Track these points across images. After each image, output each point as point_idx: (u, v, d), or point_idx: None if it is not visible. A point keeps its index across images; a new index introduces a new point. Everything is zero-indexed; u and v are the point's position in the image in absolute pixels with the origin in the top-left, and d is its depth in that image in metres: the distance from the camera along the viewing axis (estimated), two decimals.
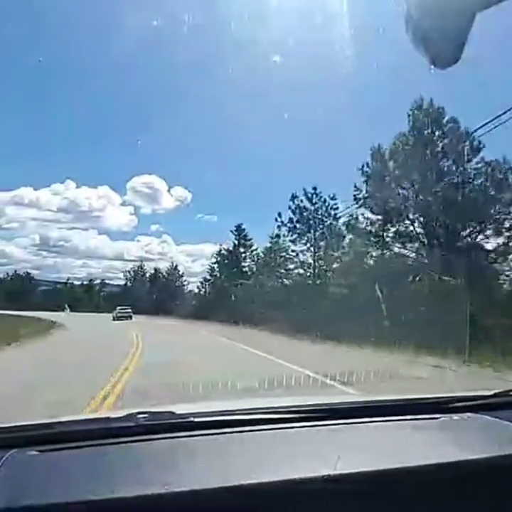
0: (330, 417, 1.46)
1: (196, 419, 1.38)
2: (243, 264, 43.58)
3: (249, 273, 41.34)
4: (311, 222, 28.70)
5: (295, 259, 30.36)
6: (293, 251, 30.04)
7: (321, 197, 28.29)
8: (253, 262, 42.78)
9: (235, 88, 37.50)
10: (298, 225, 28.91)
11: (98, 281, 79.70)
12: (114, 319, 41.25)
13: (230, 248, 44.72)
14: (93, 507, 0.98)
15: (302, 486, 1.04)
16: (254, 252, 42.77)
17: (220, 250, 45.98)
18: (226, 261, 44.61)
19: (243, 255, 44.12)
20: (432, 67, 0.73)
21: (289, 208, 28.66)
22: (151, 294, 61.09)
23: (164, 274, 64.24)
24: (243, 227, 44.28)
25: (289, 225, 29.14)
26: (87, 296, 76.47)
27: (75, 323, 31.07)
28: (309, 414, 1.45)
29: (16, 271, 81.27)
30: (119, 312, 43.33)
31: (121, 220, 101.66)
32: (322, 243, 28.19)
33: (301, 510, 1.06)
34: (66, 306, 58.75)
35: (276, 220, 29.67)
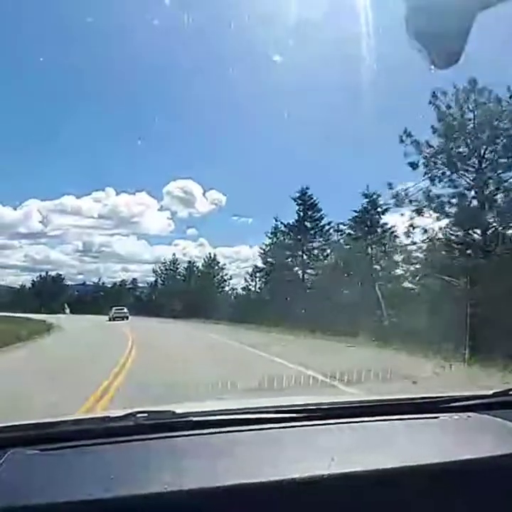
0: (330, 416, 1.46)
1: (196, 419, 1.38)
2: (311, 244, 31.40)
3: (320, 257, 30.46)
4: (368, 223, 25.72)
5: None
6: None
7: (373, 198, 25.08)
8: (325, 242, 30.86)
9: (266, 92, 37.35)
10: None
11: (130, 282, 75.30)
12: (110, 320, 41.09)
13: (291, 223, 31.64)
14: (93, 506, 0.98)
15: (303, 486, 1.05)
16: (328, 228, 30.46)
17: (277, 227, 33.22)
18: (286, 240, 32.47)
19: (311, 232, 31.50)
20: (432, 67, 0.73)
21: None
22: (186, 292, 51.66)
23: (201, 267, 54.35)
24: (309, 193, 31.19)
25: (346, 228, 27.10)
26: (115, 298, 71.37)
27: (64, 330, 26.47)
28: (310, 414, 1.45)
29: (47, 272, 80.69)
30: (114, 313, 43.42)
31: (158, 225, 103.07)
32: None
33: (301, 509, 1.06)
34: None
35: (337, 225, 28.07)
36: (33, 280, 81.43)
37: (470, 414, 1.51)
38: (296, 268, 31.77)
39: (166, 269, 61.01)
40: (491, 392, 1.65)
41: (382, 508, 1.10)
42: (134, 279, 75.20)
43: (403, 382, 7.50)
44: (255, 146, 55.53)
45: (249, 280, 38.78)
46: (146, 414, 1.36)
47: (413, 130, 17.98)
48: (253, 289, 38.74)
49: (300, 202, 31.51)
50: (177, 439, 1.30)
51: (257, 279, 37.81)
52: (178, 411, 1.43)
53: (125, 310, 44.66)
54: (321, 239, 31.51)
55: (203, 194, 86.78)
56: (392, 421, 1.46)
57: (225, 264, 53.16)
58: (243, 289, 41.60)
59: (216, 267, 53.19)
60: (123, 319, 41.14)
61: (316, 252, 31.53)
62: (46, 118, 72.94)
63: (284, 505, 1.06)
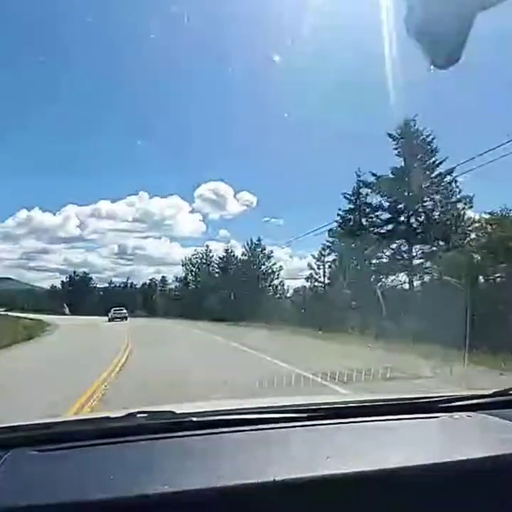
0: (330, 416, 1.46)
1: (196, 419, 1.38)
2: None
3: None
4: None
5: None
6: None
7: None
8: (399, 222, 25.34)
9: (296, 91, 37.30)
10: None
11: (159, 282, 71.06)
12: (109, 320, 42.04)
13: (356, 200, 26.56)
14: (93, 506, 0.98)
15: (303, 486, 1.05)
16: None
17: (333, 229, 27.86)
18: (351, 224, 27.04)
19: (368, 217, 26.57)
20: (432, 67, 0.73)
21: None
22: (222, 288, 41.95)
23: (242, 256, 44.51)
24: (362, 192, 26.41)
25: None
26: (141, 298, 69.65)
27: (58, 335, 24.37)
28: (310, 414, 1.45)
29: (74, 272, 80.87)
30: (114, 313, 44.66)
31: (190, 227, 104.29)
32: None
33: (301, 509, 1.06)
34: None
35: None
36: (62, 281, 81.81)
37: (470, 414, 1.51)
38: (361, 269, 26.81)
39: (199, 263, 52.41)
40: (491, 392, 1.65)
41: (382, 508, 1.10)
42: (163, 277, 70.70)
43: None
44: (287, 147, 55.10)
45: (312, 279, 31.77)
46: (146, 415, 1.36)
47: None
48: (316, 288, 31.37)
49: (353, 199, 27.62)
50: (177, 439, 1.30)
51: (319, 278, 31.20)
52: (178, 411, 1.43)
53: (124, 311, 45.75)
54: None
55: (234, 196, 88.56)
56: (393, 421, 1.46)
57: (272, 251, 43.18)
58: (311, 289, 32.05)
59: (260, 255, 43.60)
60: (122, 320, 42.03)
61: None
62: (83, 129, 79.22)
63: (285, 505, 1.06)
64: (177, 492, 1.00)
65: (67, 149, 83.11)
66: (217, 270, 49.54)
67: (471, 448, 1.24)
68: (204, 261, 52.10)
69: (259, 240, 43.82)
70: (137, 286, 76.55)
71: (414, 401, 1.61)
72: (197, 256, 53.53)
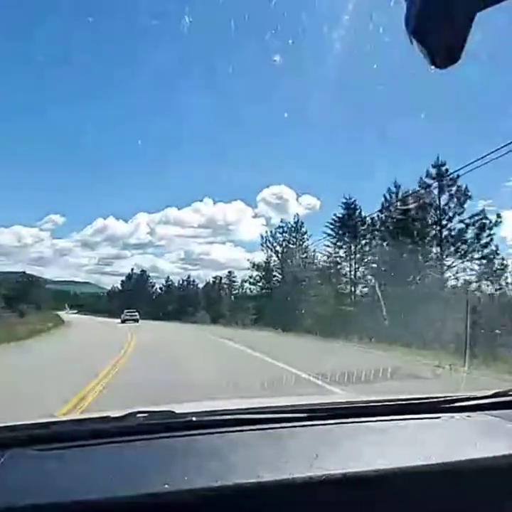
0: (331, 416, 1.46)
1: (196, 419, 1.38)
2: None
3: None
4: None
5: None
6: None
7: None
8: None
9: (350, 92, 37.67)
10: None
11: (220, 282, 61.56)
12: (122, 322, 44.04)
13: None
14: (92, 506, 0.98)
15: (304, 486, 1.04)
16: None
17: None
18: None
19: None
20: (432, 67, 0.73)
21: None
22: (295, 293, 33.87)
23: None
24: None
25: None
26: (205, 300, 61.10)
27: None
28: (309, 414, 1.45)
29: (132, 270, 79.20)
30: (125, 315, 46.77)
31: (254, 232, 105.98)
32: None
33: (302, 510, 1.06)
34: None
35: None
36: (122, 280, 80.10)
37: (470, 414, 1.51)
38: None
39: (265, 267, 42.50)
40: (491, 392, 1.65)
41: (383, 508, 1.10)
42: (222, 278, 62.36)
43: None
44: (349, 149, 55.48)
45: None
46: (146, 414, 1.36)
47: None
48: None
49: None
50: (177, 439, 1.30)
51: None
52: (178, 411, 1.43)
53: (136, 313, 47.77)
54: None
55: (297, 199, 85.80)
56: (394, 421, 1.46)
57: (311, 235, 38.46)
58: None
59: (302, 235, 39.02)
60: (134, 322, 44.07)
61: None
62: (150, 142, 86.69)
63: (285, 506, 1.06)
64: (177, 492, 1.00)
65: (139, 160, 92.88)
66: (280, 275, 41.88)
67: (472, 449, 1.23)
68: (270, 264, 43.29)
69: (299, 221, 40.38)
70: (198, 287, 67.28)
71: (415, 401, 1.61)
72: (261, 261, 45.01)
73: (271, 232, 41.75)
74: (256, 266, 42.88)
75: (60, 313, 65.44)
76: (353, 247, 32.77)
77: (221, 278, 58.40)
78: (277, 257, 41.11)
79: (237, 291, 54.21)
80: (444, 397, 1.63)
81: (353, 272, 32.84)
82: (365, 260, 32.27)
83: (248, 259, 43.74)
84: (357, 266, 32.82)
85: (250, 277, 43.95)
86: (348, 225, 33.04)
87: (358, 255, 32.55)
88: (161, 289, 72.97)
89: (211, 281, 63.99)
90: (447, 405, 1.56)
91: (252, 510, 1.06)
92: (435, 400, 1.61)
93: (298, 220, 41.35)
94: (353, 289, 32.91)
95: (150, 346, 17.92)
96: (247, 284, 46.80)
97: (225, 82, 60.50)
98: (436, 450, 1.24)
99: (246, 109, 63.99)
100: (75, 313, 79.88)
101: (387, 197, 29.90)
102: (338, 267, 33.85)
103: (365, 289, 31.66)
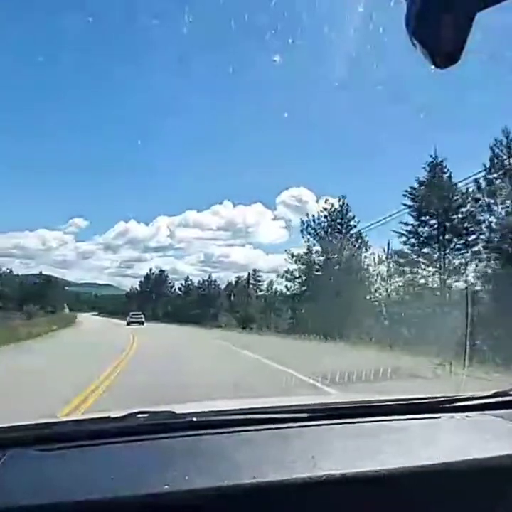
0: (331, 416, 1.46)
1: (197, 419, 1.38)
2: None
3: None
4: None
5: None
6: None
7: None
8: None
9: (368, 91, 37.14)
10: None
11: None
12: (128, 324, 44.91)
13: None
14: (93, 507, 0.98)
15: (304, 486, 1.04)
16: None
17: None
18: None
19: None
20: (432, 67, 0.73)
21: None
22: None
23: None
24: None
25: None
26: (227, 302, 56.42)
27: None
28: (309, 414, 1.45)
29: (150, 269, 76.76)
30: (131, 317, 47.97)
31: (273, 234, 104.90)
32: None
33: (302, 510, 1.06)
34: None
35: None
36: (140, 281, 77.93)
37: (470, 414, 1.51)
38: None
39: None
40: (491, 392, 1.65)
41: (383, 508, 1.10)
42: (250, 275, 54.79)
43: None
44: (371, 149, 54.81)
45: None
46: (146, 415, 1.36)
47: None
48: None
49: None
50: (177, 439, 1.30)
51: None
52: (179, 411, 1.43)
53: (141, 315, 48.69)
54: None
55: (317, 201, 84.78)
56: (393, 421, 1.46)
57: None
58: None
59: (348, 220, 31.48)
60: (139, 324, 44.82)
61: None
62: (170, 148, 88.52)
63: (285, 506, 1.06)
64: (177, 492, 1.00)
65: (159, 164, 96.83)
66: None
67: (472, 448, 1.23)
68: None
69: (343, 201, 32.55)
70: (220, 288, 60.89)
71: (415, 401, 1.61)
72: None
73: (313, 216, 33.46)
74: (295, 257, 34.09)
75: (82, 314, 68.28)
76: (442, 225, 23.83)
77: (249, 276, 49.38)
78: (321, 246, 32.38)
79: (262, 292, 47.08)
80: (444, 397, 1.63)
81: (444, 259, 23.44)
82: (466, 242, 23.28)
83: (286, 250, 35.63)
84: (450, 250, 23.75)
85: (287, 272, 35.09)
86: (434, 194, 23.79)
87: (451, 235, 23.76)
88: (180, 289, 68.23)
89: (234, 282, 57.25)
90: (447, 405, 1.56)
91: (252, 511, 1.06)
92: (435, 400, 1.61)
93: (344, 203, 32.14)
94: (448, 281, 23.60)
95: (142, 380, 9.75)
96: (278, 284, 38.75)
97: (243, 83, 60.48)
98: (437, 450, 1.24)
99: (265, 111, 64.35)
100: (96, 315, 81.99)
101: (497, 151, 21.58)
102: (421, 253, 24.48)
103: (459, 283, 22.89)
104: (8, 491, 1.03)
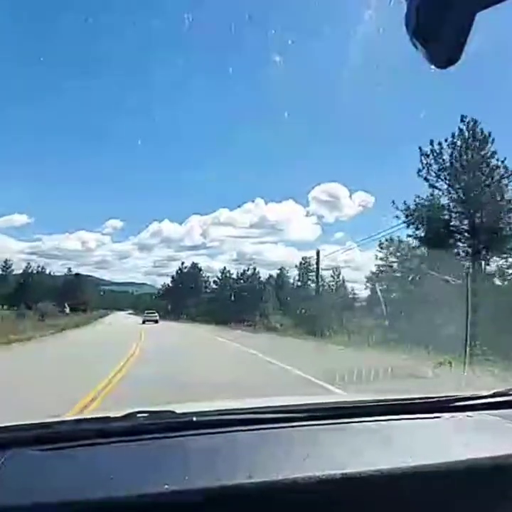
0: (330, 416, 1.46)
1: (196, 419, 1.38)
2: None
3: None
4: None
5: None
6: None
7: None
8: None
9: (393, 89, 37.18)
10: None
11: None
12: (143, 322, 45.86)
13: None
14: (93, 507, 0.98)
15: (304, 486, 1.05)
16: None
17: None
18: None
19: None
20: (432, 67, 0.73)
21: None
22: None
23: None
24: None
25: None
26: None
27: None
28: (311, 414, 1.45)
29: (182, 263, 73.10)
30: (146, 316, 49.28)
31: (305, 231, 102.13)
32: None
33: (302, 510, 1.06)
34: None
35: None
36: (172, 276, 73.28)
37: (470, 414, 1.51)
38: None
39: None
40: (491, 392, 1.65)
41: (382, 508, 1.10)
42: (282, 269, 50.70)
43: None
44: (403, 143, 52.89)
45: None
46: (146, 415, 1.36)
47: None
48: None
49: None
50: (177, 439, 1.30)
51: None
52: (178, 411, 1.43)
53: (155, 314, 49.61)
54: None
55: (350, 196, 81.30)
56: (393, 421, 1.46)
57: None
58: None
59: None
60: (154, 322, 45.85)
61: None
62: (202, 143, 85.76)
63: (285, 505, 1.06)
64: (177, 492, 1.00)
65: (191, 164, 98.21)
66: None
67: (471, 448, 1.23)
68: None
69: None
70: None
71: (415, 401, 1.61)
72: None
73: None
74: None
75: (117, 313, 72.25)
76: None
77: (318, 254, 32.96)
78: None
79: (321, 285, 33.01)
80: (444, 396, 1.63)
81: None
82: None
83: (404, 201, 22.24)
84: None
85: (413, 236, 23.01)
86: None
87: None
88: (215, 282, 60.05)
89: (276, 274, 47.14)
90: (447, 405, 1.56)
91: (252, 510, 1.06)
92: (435, 399, 1.61)
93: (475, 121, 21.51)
94: None
95: None
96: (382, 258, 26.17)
97: (267, 80, 60.64)
98: (436, 450, 1.24)
99: (294, 107, 63.90)
100: (132, 313, 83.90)
101: None
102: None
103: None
104: (8, 491, 1.03)
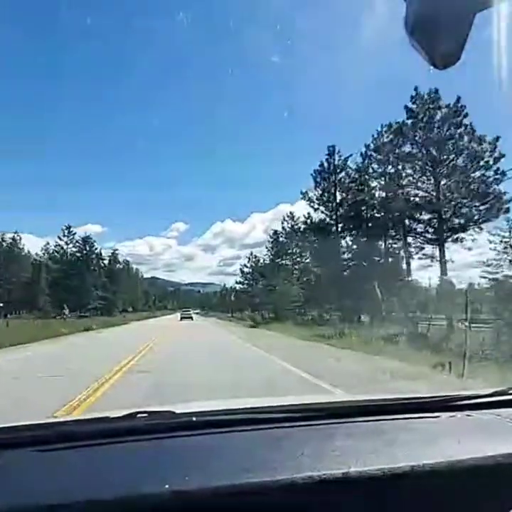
0: (330, 416, 1.46)
1: (196, 419, 1.38)
2: None
3: None
4: None
5: None
6: None
7: None
8: None
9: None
10: None
11: None
12: (180, 319, 53.60)
13: None
14: (93, 507, 0.98)
15: (304, 486, 1.05)
16: None
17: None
18: None
19: None
20: (432, 67, 0.73)
21: None
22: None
23: None
24: None
25: None
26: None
27: None
28: (310, 414, 1.45)
29: (252, 252, 70.42)
30: (182, 313, 55.29)
31: None
32: None
33: (301, 509, 1.06)
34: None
35: None
36: (241, 269, 67.28)
37: (470, 413, 1.51)
38: None
39: None
40: (491, 391, 1.65)
41: (382, 508, 1.10)
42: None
43: None
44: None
45: None
46: (146, 415, 1.36)
47: None
48: None
49: None
50: (177, 439, 1.30)
51: None
52: (178, 411, 1.43)
53: (190, 311, 56.39)
54: None
55: None
56: (392, 421, 1.46)
57: None
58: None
59: None
60: (189, 319, 52.46)
61: None
62: (261, 141, 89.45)
63: (285, 506, 1.06)
64: (177, 492, 1.00)
65: (250, 163, 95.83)
66: None
67: (472, 448, 1.23)
68: None
69: None
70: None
71: (414, 401, 1.61)
72: None
73: None
74: None
75: (178, 313, 77.69)
76: None
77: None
78: None
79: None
80: (444, 396, 1.63)
81: None
82: None
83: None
84: None
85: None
86: None
87: None
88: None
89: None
90: (447, 404, 1.56)
91: (252, 510, 1.06)
92: (435, 399, 1.61)
93: None
94: None
95: None
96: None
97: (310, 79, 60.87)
98: (437, 449, 1.24)
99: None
100: (197, 312, 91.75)
101: None
102: None
103: None
104: (8, 491, 1.03)
